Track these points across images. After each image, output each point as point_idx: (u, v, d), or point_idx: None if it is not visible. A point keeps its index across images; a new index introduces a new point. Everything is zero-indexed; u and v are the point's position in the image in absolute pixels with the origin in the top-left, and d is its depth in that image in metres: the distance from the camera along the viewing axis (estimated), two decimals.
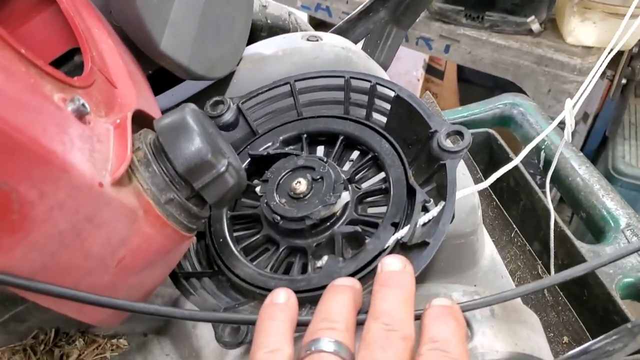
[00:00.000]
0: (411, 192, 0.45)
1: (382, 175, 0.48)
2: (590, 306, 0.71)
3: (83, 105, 0.32)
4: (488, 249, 0.55)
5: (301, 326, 0.35)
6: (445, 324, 0.34)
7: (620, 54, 1.43)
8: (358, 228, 0.44)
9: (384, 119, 0.51)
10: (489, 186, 0.46)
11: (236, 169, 0.35)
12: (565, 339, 0.59)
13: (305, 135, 0.53)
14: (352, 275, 0.42)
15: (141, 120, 0.41)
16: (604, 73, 1.55)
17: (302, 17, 1.99)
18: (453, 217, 0.41)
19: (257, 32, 0.86)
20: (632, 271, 0.73)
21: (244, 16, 0.66)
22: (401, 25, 0.81)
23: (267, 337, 0.34)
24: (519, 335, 0.39)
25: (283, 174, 0.48)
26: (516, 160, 0.51)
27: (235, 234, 0.49)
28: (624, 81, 1.60)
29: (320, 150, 0.54)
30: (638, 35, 1.30)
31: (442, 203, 0.42)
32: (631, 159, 1.64)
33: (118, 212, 0.32)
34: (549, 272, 0.78)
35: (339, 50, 0.64)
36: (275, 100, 0.55)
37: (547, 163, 0.97)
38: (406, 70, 2.86)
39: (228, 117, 0.54)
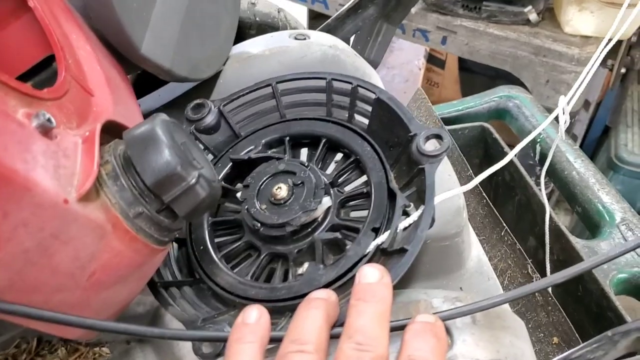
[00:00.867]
0: (392, 196, 0.44)
1: (365, 178, 0.48)
2: (585, 302, 0.71)
3: (49, 120, 0.32)
4: (475, 250, 0.54)
5: (274, 342, 0.35)
6: (424, 342, 0.33)
7: (619, 43, 1.41)
8: (338, 234, 0.44)
9: (366, 121, 0.50)
10: (480, 184, 0.45)
11: (208, 181, 0.35)
12: (555, 339, 0.58)
13: (287, 138, 0.52)
14: (333, 282, 0.42)
15: (117, 130, 0.40)
16: (605, 61, 1.53)
17: (301, 10, 1.98)
18: (433, 222, 0.41)
19: (246, 30, 0.85)
20: (626, 267, 0.72)
21: (231, 15, 0.65)
22: (391, 21, 0.80)
23: None
24: (502, 342, 0.38)
25: (264, 179, 0.47)
26: (504, 161, 0.50)
27: (217, 240, 0.48)
28: (623, 70, 1.57)
29: (303, 152, 0.53)
30: (636, 24, 1.29)
31: (422, 207, 0.41)
32: (634, 147, 1.61)
33: (85, 227, 0.31)
34: (545, 268, 0.77)
35: (326, 49, 0.63)
36: (257, 102, 0.54)
37: (543, 156, 0.96)
38: (408, 59, 2.84)
39: (209, 120, 0.53)
